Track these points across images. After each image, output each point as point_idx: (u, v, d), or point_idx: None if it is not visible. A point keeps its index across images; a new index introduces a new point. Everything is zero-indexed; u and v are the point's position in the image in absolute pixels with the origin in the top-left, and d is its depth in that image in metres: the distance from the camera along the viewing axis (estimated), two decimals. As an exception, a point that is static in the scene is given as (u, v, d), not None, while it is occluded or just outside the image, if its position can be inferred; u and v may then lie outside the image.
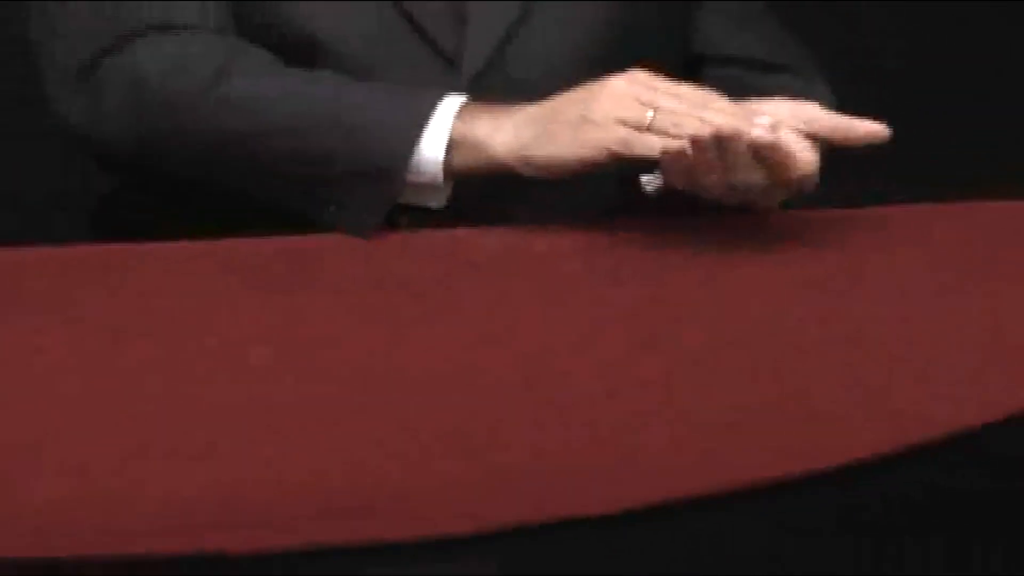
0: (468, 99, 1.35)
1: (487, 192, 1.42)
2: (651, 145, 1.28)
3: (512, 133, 1.33)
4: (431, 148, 1.34)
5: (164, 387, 1.10)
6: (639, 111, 1.28)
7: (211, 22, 1.42)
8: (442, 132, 1.34)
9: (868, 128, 1.32)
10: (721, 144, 1.26)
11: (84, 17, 1.42)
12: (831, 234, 1.38)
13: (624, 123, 1.30)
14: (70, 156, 1.55)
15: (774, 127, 1.28)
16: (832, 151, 1.39)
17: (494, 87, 1.39)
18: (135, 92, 1.39)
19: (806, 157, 1.29)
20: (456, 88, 1.38)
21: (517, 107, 1.35)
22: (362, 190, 1.36)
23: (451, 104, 1.34)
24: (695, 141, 1.26)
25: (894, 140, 1.37)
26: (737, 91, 1.41)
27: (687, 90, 1.32)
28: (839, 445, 1.06)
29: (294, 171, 1.38)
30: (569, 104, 1.33)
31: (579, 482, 1.02)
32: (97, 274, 1.27)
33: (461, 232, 1.34)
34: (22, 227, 1.42)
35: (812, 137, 1.31)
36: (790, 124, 1.31)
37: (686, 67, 1.51)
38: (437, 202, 1.36)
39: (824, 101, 1.44)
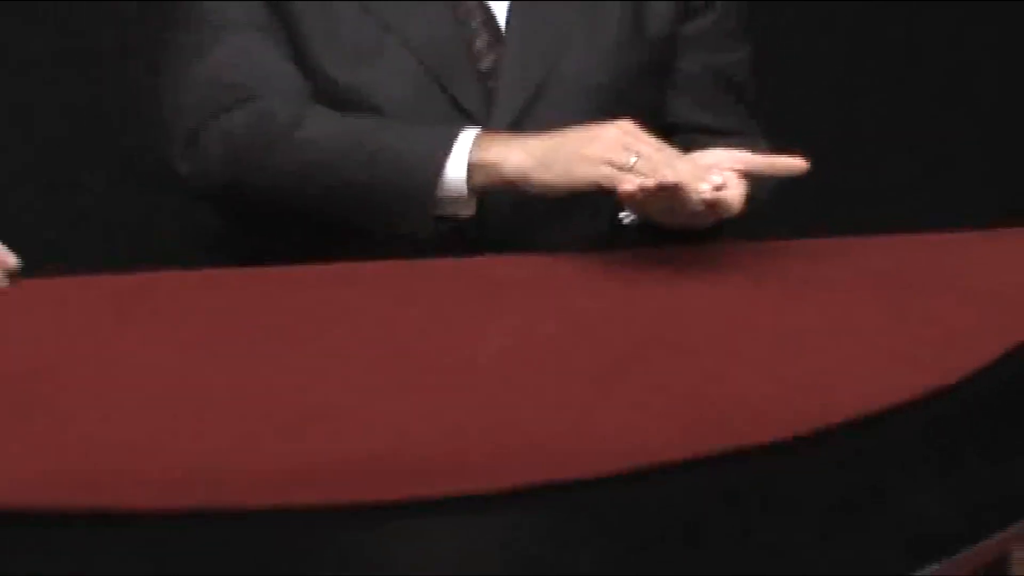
0: (483, 131, 1.53)
1: (515, 222, 1.61)
2: (629, 183, 1.44)
3: (519, 159, 1.51)
4: (454, 170, 1.52)
5: (284, 378, 1.27)
6: (625, 156, 1.46)
7: (290, 92, 1.60)
8: (462, 157, 1.52)
9: (787, 163, 1.50)
10: (677, 192, 1.43)
11: (194, 96, 1.61)
12: (772, 261, 1.56)
13: (611, 163, 1.46)
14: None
15: (716, 186, 1.44)
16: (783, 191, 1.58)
17: None
18: (227, 145, 1.59)
19: (733, 194, 1.46)
20: None
21: (526, 137, 1.52)
22: (406, 205, 1.54)
23: (468, 135, 1.52)
24: (662, 186, 1.42)
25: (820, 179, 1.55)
26: (698, 149, 1.59)
27: (661, 144, 1.49)
28: (759, 426, 1.21)
29: (355, 193, 1.56)
30: (570, 141, 1.50)
31: (566, 451, 1.16)
32: (224, 291, 1.47)
33: (492, 259, 1.54)
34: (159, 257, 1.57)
35: (743, 173, 1.48)
36: (725, 164, 1.49)
37: (661, 132, 1.65)
38: (468, 211, 1.54)
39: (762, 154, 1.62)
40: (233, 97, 1.59)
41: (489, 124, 1.61)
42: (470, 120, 1.62)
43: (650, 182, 1.44)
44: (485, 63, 1.65)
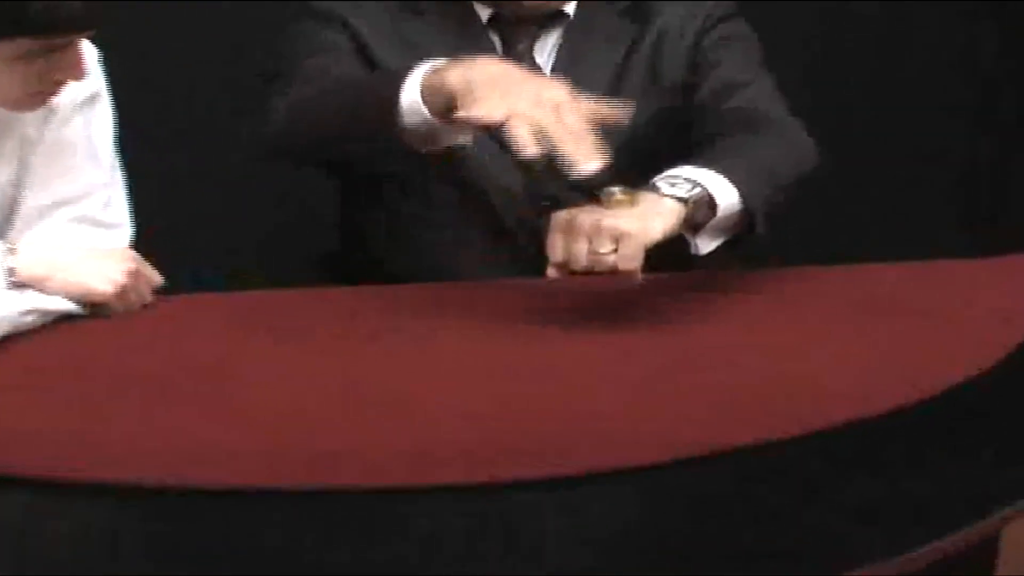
0: (448, 61, 1.54)
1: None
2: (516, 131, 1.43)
3: (464, 87, 1.50)
4: (409, 95, 1.56)
5: (387, 379, 1.41)
6: (539, 112, 1.43)
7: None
8: (415, 84, 1.56)
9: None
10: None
11: (284, 97, 1.75)
12: (784, 285, 1.70)
13: (522, 120, 1.43)
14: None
15: None
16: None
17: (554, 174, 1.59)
18: (290, 107, 1.73)
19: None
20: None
21: (477, 64, 1.52)
22: (380, 127, 1.59)
23: (425, 66, 1.56)
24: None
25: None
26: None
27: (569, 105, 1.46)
28: (776, 422, 1.32)
29: (351, 116, 1.65)
30: (497, 80, 1.48)
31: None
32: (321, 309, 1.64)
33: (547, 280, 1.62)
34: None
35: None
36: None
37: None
38: (465, 140, 1.60)
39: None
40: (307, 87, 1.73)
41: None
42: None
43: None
44: None
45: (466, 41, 1.81)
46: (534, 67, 1.83)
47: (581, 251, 1.49)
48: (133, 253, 1.64)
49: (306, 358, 1.49)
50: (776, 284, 1.71)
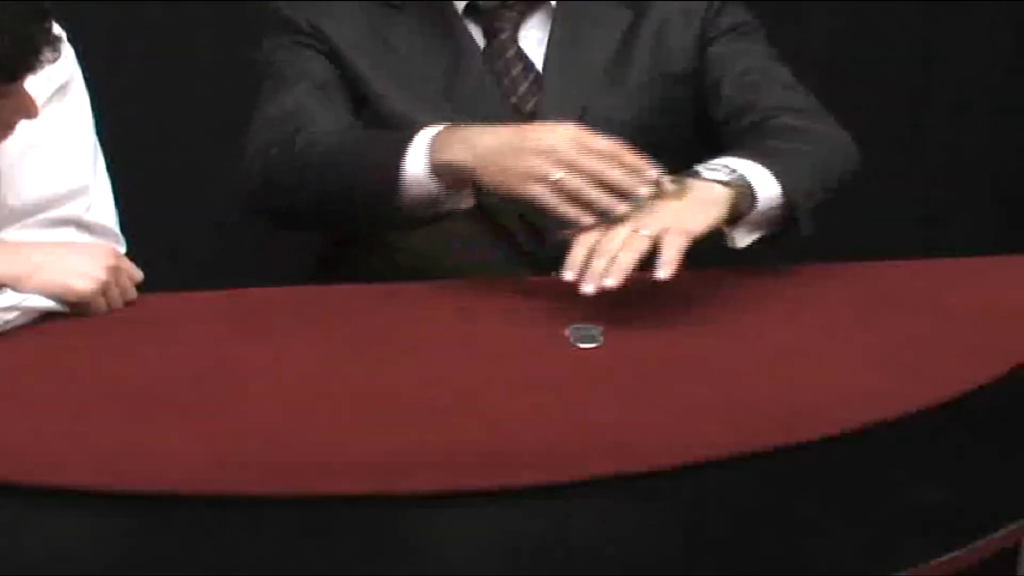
0: (443, 128, 1.57)
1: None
2: (551, 204, 1.48)
3: (464, 159, 1.54)
4: (415, 169, 1.57)
5: (390, 381, 1.39)
6: (552, 169, 1.48)
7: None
8: (419, 159, 1.57)
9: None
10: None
11: (256, 133, 1.73)
12: (785, 283, 1.65)
13: (538, 180, 1.49)
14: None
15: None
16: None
17: None
18: (265, 173, 1.69)
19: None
20: None
21: (480, 135, 1.54)
22: (380, 209, 1.61)
23: (424, 136, 1.57)
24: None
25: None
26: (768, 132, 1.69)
27: (597, 159, 1.48)
28: (777, 429, 1.29)
29: (344, 197, 1.63)
30: (508, 146, 1.52)
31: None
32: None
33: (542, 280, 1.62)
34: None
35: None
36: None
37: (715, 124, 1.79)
38: (467, 203, 1.61)
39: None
40: (280, 135, 1.71)
41: None
42: None
43: (568, 211, 1.48)
44: (529, 106, 1.78)
45: (445, 35, 1.79)
46: (519, 55, 1.79)
47: (600, 265, 1.47)
48: (114, 248, 1.61)
49: (301, 361, 1.46)
50: (778, 284, 1.66)
